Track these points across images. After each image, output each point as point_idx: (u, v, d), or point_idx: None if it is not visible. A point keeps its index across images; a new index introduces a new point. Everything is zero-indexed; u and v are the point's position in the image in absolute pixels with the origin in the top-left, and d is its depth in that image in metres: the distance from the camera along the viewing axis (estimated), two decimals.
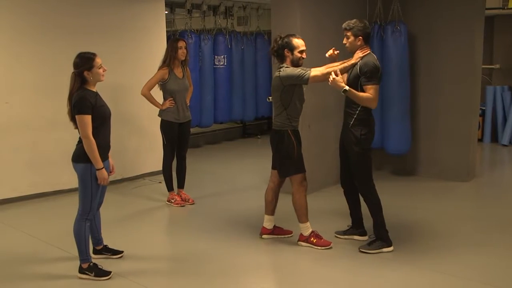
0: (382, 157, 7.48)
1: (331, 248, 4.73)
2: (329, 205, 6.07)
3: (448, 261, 4.45)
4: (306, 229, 4.80)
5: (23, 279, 4.24)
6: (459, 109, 6.98)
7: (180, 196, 6.19)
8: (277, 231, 5.04)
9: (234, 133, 10.98)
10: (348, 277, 4.28)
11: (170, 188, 6.16)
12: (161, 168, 6.17)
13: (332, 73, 4.40)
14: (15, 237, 5.24)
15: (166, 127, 5.95)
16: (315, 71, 4.54)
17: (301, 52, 4.66)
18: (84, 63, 4.04)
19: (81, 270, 4.20)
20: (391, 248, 4.64)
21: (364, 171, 4.62)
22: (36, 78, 6.36)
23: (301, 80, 4.55)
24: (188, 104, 6.09)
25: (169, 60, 5.85)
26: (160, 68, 5.89)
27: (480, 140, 9.81)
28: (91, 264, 4.22)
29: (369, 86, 4.43)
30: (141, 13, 7.31)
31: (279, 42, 4.67)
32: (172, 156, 6.06)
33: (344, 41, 4.66)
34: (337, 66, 4.59)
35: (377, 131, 6.97)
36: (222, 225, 5.48)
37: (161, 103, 5.95)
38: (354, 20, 4.60)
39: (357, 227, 4.97)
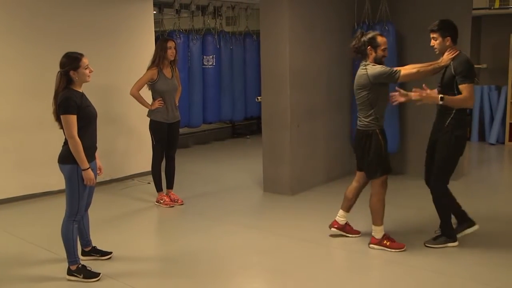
0: None
1: (405, 250, 4.65)
2: (319, 204, 6.08)
3: (437, 258, 4.46)
4: (380, 231, 4.72)
5: (11, 282, 4.19)
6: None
7: (169, 196, 6.16)
8: (348, 228, 5.01)
9: (224, 133, 10.96)
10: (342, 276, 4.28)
11: (159, 188, 6.13)
12: (150, 169, 6.13)
13: (424, 87, 4.39)
14: (2, 239, 5.18)
15: (155, 127, 5.91)
16: (404, 70, 4.55)
17: (384, 50, 4.59)
18: (71, 63, 4.00)
19: (70, 272, 4.16)
20: (456, 244, 4.69)
21: (448, 171, 4.60)
22: (23, 79, 6.30)
23: (392, 78, 4.48)
24: (177, 104, 6.06)
25: (158, 60, 5.82)
26: (149, 68, 5.86)
27: (468, 139, 9.84)
28: (80, 265, 4.18)
29: (464, 85, 4.38)
30: (129, 13, 7.27)
31: (363, 39, 4.62)
32: (161, 156, 6.03)
33: (432, 43, 4.60)
34: (426, 66, 4.58)
35: None
36: (212, 225, 5.45)
37: (150, 103, 5.92)
38: (438, 20, 4.57)
39: (463, 221, 4.83)
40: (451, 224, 4.72)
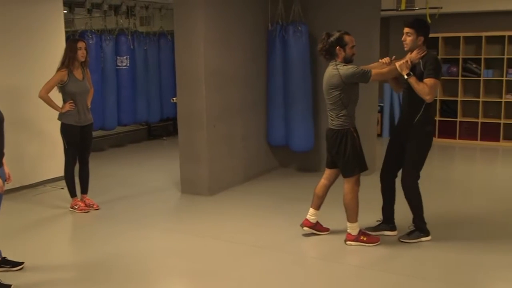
0: (287, 154, 7.60)
1: (379, 244, 4.75)
2: (238, 204, 6.10)
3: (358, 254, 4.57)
4: (356, 228, 4.76)
5: None
6: (358, 106, 7.17)
7: (84, 201, 5.98)
8: (318, 226, 5.01)
9: (140, 135, 10.76)
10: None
11: (73, 194, 5.93)
12: (63, 174, 5.92)
13: (408, 58, 4.56)
14: None
15: (67, 130, 5.72)
16: (375, 69, 4.61)
17: (352, 48, 4.63)
18: None
19: None
20: (429, 238, 4.82)
21: (419, 166, 4.71)
22: None
23: (364, 78, 4.54)
24: (89, 106, 5.89)
25: (68, 61, 5.63)
26: (59, 69, 5.66)
27: (379, 135, 10.22)
28: None
29: (429, 79, 4.49)
30: (38, 12, 6.97)
31: (329, 40, 4.62)
32: (74, 160, 5.84)
33: (404, 38, 4.65)
34: (392, 67, 4.67)
35: (281, 129, 7.15)
36: (129, 229, 5.34)
37: (60, 106, 5.71)
38: (414, 18, 4.65)
39: (388, 222, 5.03)
40: (424, 218, 4.83)
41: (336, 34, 4.63)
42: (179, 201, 6.43)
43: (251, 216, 5.70)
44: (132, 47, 9.30)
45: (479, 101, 9.79)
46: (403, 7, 6.88)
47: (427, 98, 4.51)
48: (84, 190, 6.02)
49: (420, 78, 4.55)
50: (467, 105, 9.88)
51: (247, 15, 6.93)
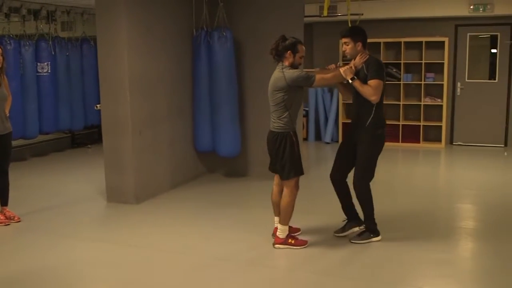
0: (214, 160, 7.62)
1: (307, 246, 4.84)
2: (166, 211, 6.06)
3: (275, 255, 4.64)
4: (285, 231, 4.82)
5: None
6: None
7: (4, 214, 5.75)
8: (291, 229, 4.99)
9: (63, 143, 10.46)
10: None
11: None
12: None
13: (352, 63, 4.73)
14: None
15: None
16: (319, 74, 4.74)
17: (301, 58, 4.79)
18: None
19: None
20: (379, 238, 4.96)
21: (371, 168, 4.86)
22: None
23: (308, 81, 4.67)
24: (8, 114, 5.69)
25: None
26: None
27: (305, 139, 10.45)
28: None
29: (373, 80, 4.67)
30: None
31: (284, 43, 4.69)
32: None
33: (344, 48, 4.85)
34: (336, 72, 4.82)
35: (208, 135, 7.16)
36: (54, 241, 5.19)
37: None
38: (349, 27, 4.86)
39: (354, 218, 5.10)
40: (374, 219, 4.97)
41: (292, 40, 4.76)
42: (105, 210, 6.31)
43: (179, 223, 5.67)
44: (53, 53, 9.04)
45: (399, 104, 10.17)
46: (325, 13, 7.08)
47: (373, 99, 4.70)
48: (4, 202, 5.80)
49: (364, 82, 4.74)
50: (389, 109, 10.23)
51: (172, 21, 6.91)
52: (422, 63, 9.99)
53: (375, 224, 5.02)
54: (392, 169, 8.49)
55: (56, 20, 9.41)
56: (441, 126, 10.01)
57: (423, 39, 9.93)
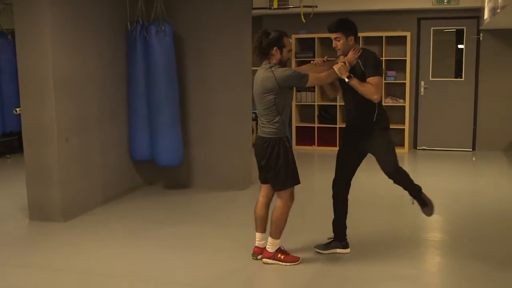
0: (152, 170, 7.59)
1: (299, 263, 4.84)
2: (99, 229, 6.00)
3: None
4: (275, 245, 4.83)
5: None
6: (231, 113, 7.37)
7: None
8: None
9: None
10: None
11: None
12: None
13: (345, 60, 4.71)
14: None
15: None
16: (312, 73, 4.70)
17: (289, 51, 4.74)
18: None
19: None
20: (348, 250, 5.12)
21: (394, 151, 4.86)
22: None
23: (302, 82, 4.64)
24: None
25: None
26: None
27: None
28: None
29: (372, 78, 4.67)
30: None
31: (267, 38, 4.63)
32: None
33: (335, 44, 4.81)
34: (330, 71, 4.77)
35: (146, 142, 7.12)
36: None
37: None
38: (337, 20, 4.78)
39: (340, 239, 5.10)
40: (419, 187, 4.92)
41: (276, 34, 4.71)
42: (27, 229, 6.20)
43: (111, 243, 5.60)
44: None
45: None
46: (275, 5, 7.18)
47: (375, 97, 4.71)
48: None
49: (361, 79, 4.74)
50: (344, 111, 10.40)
51: (102, 13, 6.85)
52: (382, 60, 10.19)
53: (421, 191, 4.93)
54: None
55: None
56: (403, 129, 10.25)
57: (383, 34, 10.16)
